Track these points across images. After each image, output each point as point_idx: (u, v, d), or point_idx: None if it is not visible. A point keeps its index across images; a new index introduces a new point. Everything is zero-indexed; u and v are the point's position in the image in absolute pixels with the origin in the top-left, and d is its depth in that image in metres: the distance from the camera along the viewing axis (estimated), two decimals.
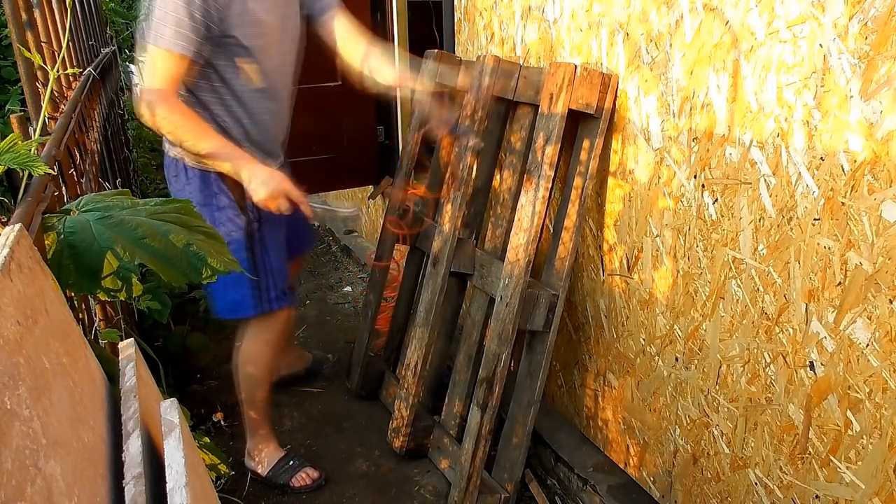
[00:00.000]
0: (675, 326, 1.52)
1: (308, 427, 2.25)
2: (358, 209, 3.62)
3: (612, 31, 1.56)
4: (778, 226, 1.22)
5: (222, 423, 2.25)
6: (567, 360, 1.97)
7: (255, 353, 1.85)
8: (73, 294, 1.04)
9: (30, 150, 0.82)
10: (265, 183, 1.51)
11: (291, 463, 1.96)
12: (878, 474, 1.12)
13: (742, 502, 1.42)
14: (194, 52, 1.50)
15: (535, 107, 1.72)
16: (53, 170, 1.07)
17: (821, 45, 1.09)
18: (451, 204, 1.91)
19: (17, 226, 0.59)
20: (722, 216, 1.34)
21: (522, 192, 1.69)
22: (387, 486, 1.97)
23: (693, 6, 1.33)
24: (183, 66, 1.50)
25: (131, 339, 0.76)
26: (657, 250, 1.54)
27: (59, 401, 0.54)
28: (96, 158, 1.93)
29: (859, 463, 1.15)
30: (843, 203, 1.10)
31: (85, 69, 2.10)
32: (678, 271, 1.49)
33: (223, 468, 1.17)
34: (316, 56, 1.93)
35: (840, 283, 1.13)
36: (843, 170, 1.09)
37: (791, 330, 1.24)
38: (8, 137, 0.80)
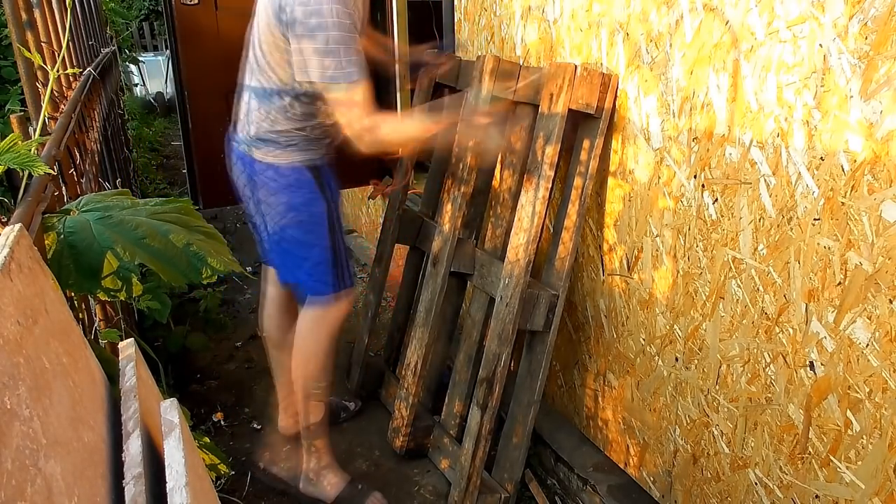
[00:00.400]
0: (675, 326, 1.52)
1: None
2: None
3: (612, 31, 1.56)
4: (778, 226, 1.22)
5: (222, 423, 2.25)
6: (567, 360, 1.97)
7: (319, 335, 1.82)
8: (73, 294, 1.04)
9: (30, 150, 0.82)
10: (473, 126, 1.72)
11: (360, 488, 1.90)
12: (878, 474, 1.12)
13: (742, 502, 1.42)
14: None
15: (535, 107, 1.72)
16: (53, 170, 1.07)
17: (821, 45, 1.09)
18: (451, 204, 1.90)
19: (17, 226, 0.59)
20: (722, 216, 1.34)
21: (522, 192, 1.69)
22: (387, 486, 1.97)
23: (693, 6, 1.33)
24: (370, 85, 1.55)
25: (131, 339, 0.76)
26: (657, 250, 1.54)
27: (59, 401, 0.54)
28: (96, 158, 1.93)
29: (859, 463, 1.15)
30: (843, 203, 1.10)
31: (85, 69, 2.10)
32: (678, 271, 1.49)
33: (223, 468, 1.17)
34: None
35: (840, 283, 1.13)
36: (843, 170, 1.09)
37: (791, 330, 1.24)
38: (8, 137, 0.80)
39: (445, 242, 1.91)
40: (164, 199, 0.90)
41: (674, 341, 1.54)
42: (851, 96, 1.06)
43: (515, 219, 1.70)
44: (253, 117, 1.68)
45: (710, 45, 1.30)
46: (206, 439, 1.31)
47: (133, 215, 0.83)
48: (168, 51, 4.46)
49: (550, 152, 1.63)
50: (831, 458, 1.20)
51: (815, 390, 1.21)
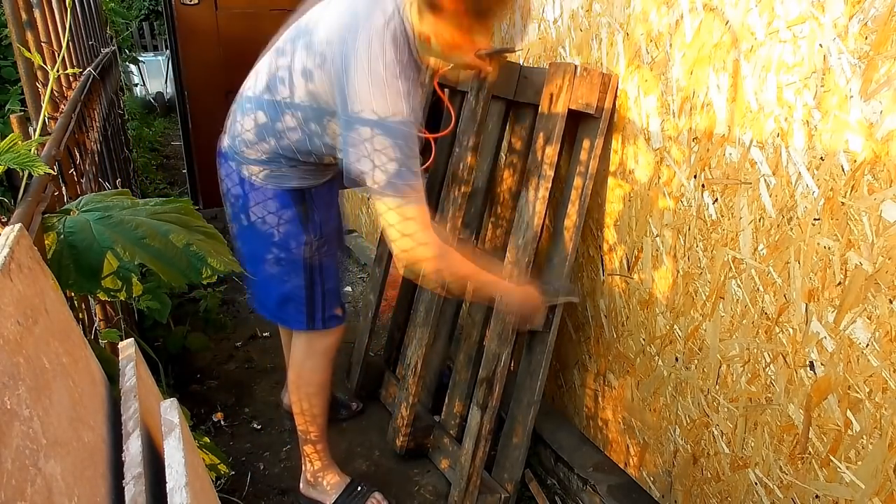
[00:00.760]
0: (675, 326, 1.52)
1: None
2: None
3: (612, 31, 1.56)
4: (778, 226, 1.22)
5: (222, 423, 2.25)
6: (567, 360, 1.97)
7: (308, 367, 1.76)
8: (73, 294, 1.04)
9: (30, 150, 0.82)
10: (517, 304, 1.59)
11: (360, 489, 1.87)
12: (878, 474, 1.12)
13: (742, 502, 1.42)
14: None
15: (535, 107, 1.72)
16: (53, 170, 1.07)
17: (821, 45, 1.09)
18: (451, 204, 1.90)
19: (17, 226, 0.59)
20: (722, 216, 1.34)
21: (522, 192, 1.69)
22: (387, 487, 1.97)
23: (693, 6, 1.33)
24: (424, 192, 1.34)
25: (131, 339, 0.76)
26: (657, 250, 1.54)
27: (59, 401, 0.54)
28: (96, 158, 1.93)
29: (859, 463, 1.15)
30: (843, 203, 1.10)
31: (85, 69, 2.10)
32: (678, 271, 1.49)
33: (223, 468, 1.17)
34: None
35: (840, 283, 1.13)
36: (843, 170, 1.09)
37: (791, 330, 1.24)
38: (8, 137, 0.80)
39: (445, 242, 1.90)
40: (164, 199, 0.90)
41: (674, 341, 1.54)
42: (851, 96, 1.06)
43: (515, 219, 1.70)
44: (250, 136, 1.51)
45: (710, 45, 1.30)
46: (206, 439, 1.31)
47: (133, 215, 0.83)
48: (168, 51, 4.46)
49: (550, 152, 1.63)
50: (831, 458, 1.20)
51: (815, 390, 1.21)
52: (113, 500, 0.57)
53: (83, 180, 1.51)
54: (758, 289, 1.29)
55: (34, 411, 0.47)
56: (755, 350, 1.32)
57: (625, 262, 1.66)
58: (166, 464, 0.58)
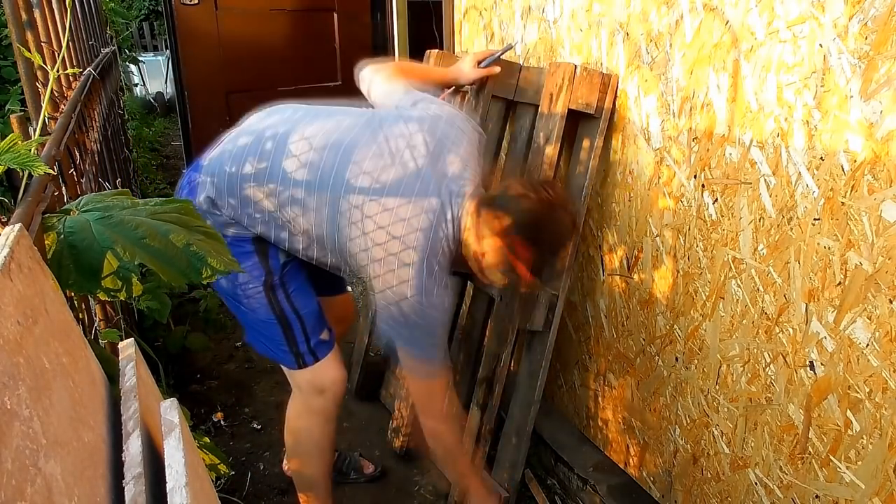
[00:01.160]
0: (675, 326, 1.52)
1: None
2: None
3: (612, 31, 1.56)
4: (778, 226, 1.22)
5: (222, 423, 2.25)
6: (567, 360, 1.97)
7: (303, 422, 1.59)
8: (73, 294, 1.04)
9: (30, 150, 0.82)
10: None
11: None
12: (878, 474, 1.12)
13: (742, 502, 1.42)
14: None
15: (535, 107, 1.72)
16: (53, 170, 1.07)
17: (821, 45, 1.09)
18: None
19: (17, 226, 0.59)
20: (722, 216, 1.34)
21: None
22: (387, 486, 1.97)
23: (693, 6, 1.33)
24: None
25: (131, 339, 0.76)
26: (657, 250, 1.54)
27: (59, 401, 0.54)
28: (96, 158, 1.93)
29: (859, 463, 1.15)
30: (843, 203, 1.10)
31: (85, 69, 2.10)
32: (678, 271, 1.49)
33: (223, 468, 1.17)
34: (316, 56, 1.93)
35: (840, 283, 1.13)
36: (843, 170, 1.09)
37: (791, 330, 1.24)
38: (8, 137, 0.80)
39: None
40: (164, 199, 0.90)
41: (674, 341, 1.54)
42: (851, 96, 1.06)
43: None
44: (232, 198, 1.37)
45: (710, 45, 1.30)
46: (206, 439, 1.30)
47: (133, 215, 0.83)
48: (168, 51, 4.46)
49: (550, 152, 1.63)
50: (831, 458, 1.20)
51: (815, 390, 1.21)
52: (113, 500, 0.57)
53: (83, 180, 1.51)
54: (758, 289, 1.29)
55: (34, 411, 0.47)
56: (755, 350, 1.32)
57: (625, 262, 1.66)
58: (166, 464, 0.58)
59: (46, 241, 0.79)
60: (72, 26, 1.92)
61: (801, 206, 1.17)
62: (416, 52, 2.22)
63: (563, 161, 1.77)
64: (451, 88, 1.86)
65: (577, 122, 1.67)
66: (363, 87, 1.62)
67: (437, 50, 2.09)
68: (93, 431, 0.59)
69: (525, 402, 1.78)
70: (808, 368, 1.21)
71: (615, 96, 1.59)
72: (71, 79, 1.78)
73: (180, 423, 0.64)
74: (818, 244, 1.15)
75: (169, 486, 0.55)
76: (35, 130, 1.02)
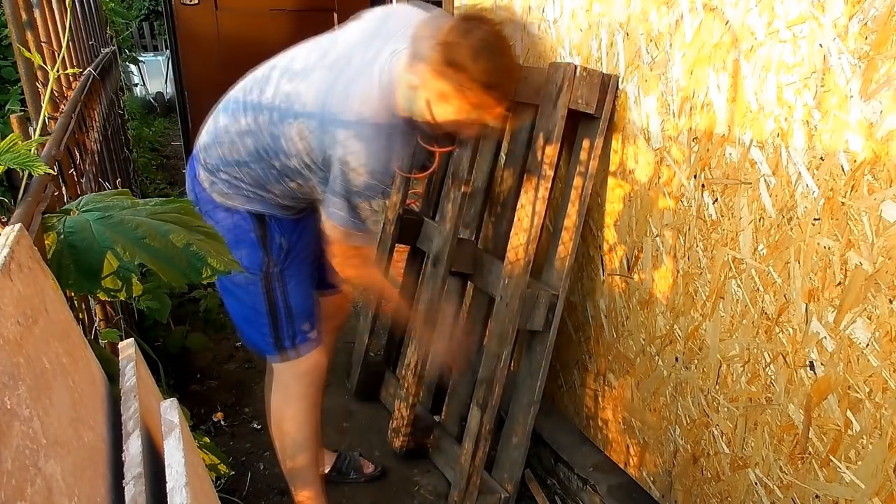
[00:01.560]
0: (675, 326, 1.52)
1: None
2: None
3: (612, 31, 1.56)
4: (778, 226, 1.22)
5: (222, 423, 2.25)
6: (567, 360, 1.97)
7: (284, 410, 1.63)
8: (73, 294, 1.04)
9: (30, 150, 0.82)
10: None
11: None
12: (878, 474, 1.12)
13: (742, 502, 1.42)
14: None
15: (535, 107, 1.72)
16: (53, 170, 1.07)
17: (821, 45, 1.09)
18: (451, 204, 1.90)
19: (17, 226, 0.59)
20: (722, 216, 1.34)
21: (522, 192, 1.69)
22: (387, 486, 1.97)
23: (693, 6, 1.33)
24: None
25: (131, 339, 0.76)
26: (657, 250, 1.54)
27: (59, 401, 0.54)
28: (96, 158, 1.93)
29: (859, 463, 1.15)
30: (843, 203, 1.10)
31: (85, 69, 2.10)
32: (678, 271, 1.49)
33: (223, 468, 1.17)
34: None
35: (840, 283, 1.13)
36: (843, 170, 1.09)
37: (791, 330, 1.24)
38: (8, 137, 0.80)
39: (445, 242, 1.91)
40: (164, 199, 0.90)
41: (674, 341, 1.54)
42: (851, 96, 1.06)
43: (515, 219, 1.70)
44: (227, 148, 1.44)
45: (710, 45, 1.30)
46: (206, 439, 1.31)
47: (133, 215, 0.83)
48: (168, 51, 4.46)
49: (550, 152, 1.63)
50: (831, 458, 1.20)
51: (815, 390, 1.21)
52: (113, 500, 0.57)
53: (83, 180, 1.51)
54: (758, 289, 1.29)
55: (34, 411, 0.47)
56: (755, 350, 1.32)
57: (625, 262, 1.66)
58: (166, 464, 0.58)
59: (46, 241, 0.79)
60: (72, 26, 1.92)
61: (801, 206, 1.17)
62: None
63: (563, 161, 1.78)
64: None
65: (577, 122, 1.67)
66: None
67: None
68: (93, 431, 0.59)
69: (525, 402, 1.78)
70: (808, 368, 1.21)
71: (615, 96, 1.59)
72: (71, 79, 1.79)
73: (180, 423, 0.64)
74: (818, 244, 1.15)
75: (169, 486, 0.55)
76: (35, 130, 1.02)
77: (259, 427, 2.22)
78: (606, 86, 1.58)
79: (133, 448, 0.60)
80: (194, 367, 2.56)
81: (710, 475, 1.50)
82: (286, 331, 1.53)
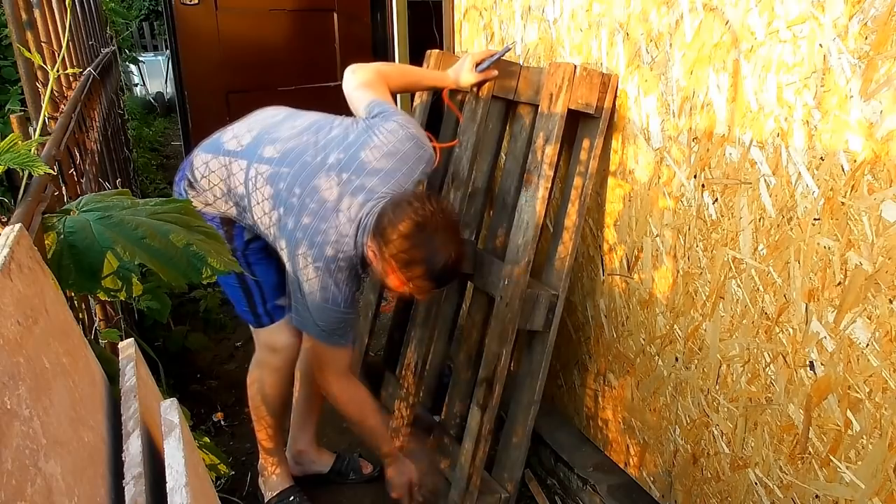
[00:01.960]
0: (675, 326, 1.52)
1: None
2: None
3: (612, 31, 1.56)
4: (778, 226, 1.22)
5: (222, 423, 2.25)
6: (567, 360, 1.97)
7: (259, 376, 1.79)
8: (73, 294, 1.05)
9: (30, 150, 0.82)
10: (401, 473, 1.73)
11: (292, 499, 1.88)
12: (878, 474, 1.12)
13: (742, 502, 1.42)
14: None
15: (535, 107, 1.72)
16: (53, 170, 1.07)
17: (821, 45, 1.09)
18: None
19: (17, 226, 0.59)
20: (722, 216, 1.34)
21: (522, 192, 1.69)
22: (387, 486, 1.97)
23: (693, 6, 1.33)
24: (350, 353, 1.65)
25: (131, 339, 0.76)
26: (657, 250, 1.54)
27: (59, 401, 0.54)
28: (96, 158, 1.93)
29: (859, 463, 1.15)
30: (843, 203, 1.10)
31: (85, 69, 2.10)
32: (678, 271, 1.49)
33: (223, 468, 1.17)
34: (316, 56, 1.93)
35: (840, 283, 1.13)
36: (843, 170, 1.09)
37: (791, 330, 1.24)
38: (8, 137, 0.80)
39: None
40: (164, 199, 0.90)
41: (674, 341, 1.54)
42: (851, 96, 1.06)
43: (515, 219, 1.70)
44: (216, 191, 1.58)
45: (710, 45, 1.30)
46: (206, 439, 1.31)
47: (133, 215, 0.83)
48: (168, 51, 4.46)
49: (550, 152, 1.63)
50: (831, 458, 1.20)
51: (815, 390, 1.21)
52: (113, 500, 0.57)
53: (83, 180, 1.52)
54: (758, 289, 1.29)
55: (34, 411, 0.47)
56: (755, 350, 1.32)
57: (625, 262, 1.66)
58: (166, 464, 0.58)
59: (46, 241, 0.79)
60: (72, 26, 1.92)
61: (801, 205, 1.17)
62: (416, 52, 2.22)
63: (563, 161, 1.77)
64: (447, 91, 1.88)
65: (577, 122, 1.67)
66: (344, 88, 1.74)
67: (437, 50, 2.09)
68: (93, 431, 0.59)
69: (525, 402, 1.78)
70: (808, 368, 1.21)
71: (615, 96, 1.59)
72: (71, 79, 1.79)
73: (180, 423, 0.64)
74: (818, 244, 1.15)
75: (169, 486, 0.55)
76: (35, 130, 1.02)
77: None
78: (606, 86, 1.58)
79: (133, 448, 0.60)
80: (194, 367, 2.56)
81: (710, 475, 1.50)
82: (258, 299, 1.68)
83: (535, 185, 1.65)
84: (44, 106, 1.12)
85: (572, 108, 1.60)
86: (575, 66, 1.58)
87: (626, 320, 1.69)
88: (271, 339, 1.72)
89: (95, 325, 1.33)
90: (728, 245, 1.34)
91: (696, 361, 1.48)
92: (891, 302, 1.05)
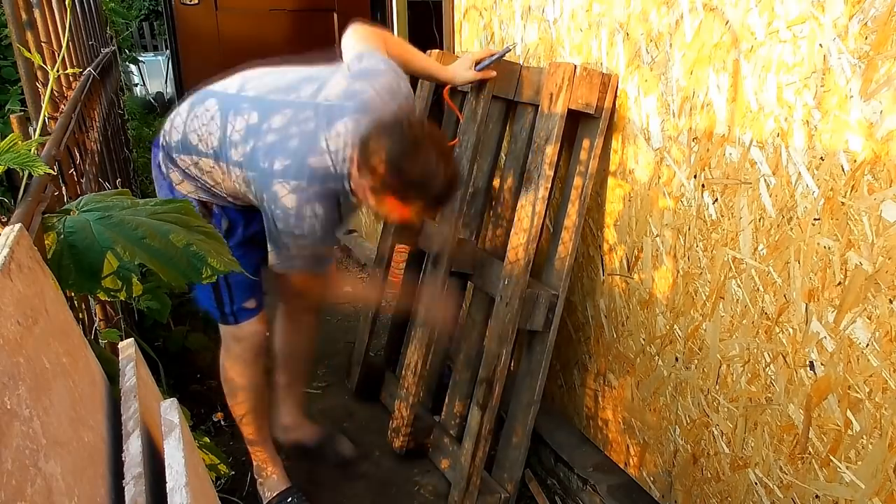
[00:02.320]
0: (675, 326, 1.52)
1: None
2: None
3: (612, 31, 1.56)
4: (778, 226, 1.22)
5: (222, 423, 2.25)
6: (567, 360, 1.97)
7: (227, 365, 1.80)
8: (73, 294, 1.05)
9: (30, 150, 0.82)
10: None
11: (291, 499, 1.87)
12: (878, 474, 1.12)
13: (742, 502, 1.42)
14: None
15: (535, 107, 1.72)
16: (53, 170, 1.07)
17: (821, 45, 1.09)
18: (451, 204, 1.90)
19: (17, 226, 0.59)
20: (722, 216, 1.34)
21: (522, 192, 1.69)
22: (387, 486, 1.97)
23: (693, 6, 1.33)
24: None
25: (131, 339, 0.76)
26: (657, 250, 1.54)
27: (59, 401, 0.54)
28: (96, 158, 1.93)
29: (859, 463, 1.15)
30: (843, 203, 1.10)
31: (85, 69, 2.10)
32: (678, 271, 1.49)
33: (223, 468, 1.17)
34: (316, 56, 1.92)
35: (840, 283, 1.13)
36: (843, 170, 1.09)
37: (791, 330, 1.24)
38: (8, 137, 0.80)
39: (445, 242, 1.91)
40: (164, 199, 0.90)
41: (674, 341, 1.54)
42: (851, 96, 1.06)
43: (515, 219, 1.70)
44: (196, 128, 1.55)
45: (710, 45, 1.30)
46: (206, 439, 1.31)
47: (133, 215, 0.83)
48: (168, 51, 4.46)
49: (550, 152, 1.63)
50: (831, 458, 1.20)
51: (815, 390, 1.21)
52: (113, 500, 0.57)
53: (83, 180, 1.52)
54: (758, 289, 1.29)
55: (34, 411, 0.47)
56: (755, 350, 1.32)
57: (625, 262, 1.66)
58: (166, 464, 0.58)
59: (46, 241, 0.79)
60: (72, 26, 1.92)
61: (801, 206, 1.17)
62: None
63: (563, 161, 1.77)
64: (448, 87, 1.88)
65: (577, 122, 1.67)
66: (342, 43, 1.74)
67: (437, 50, 2.09)
68: (93, 431, 0.59)
69: (525, 402, 1.78)
70: (808, 368, 1.21)
71: (615, 96, 1.59)
72: (71, 79, 1.79)
73: (180, 423, 0.64)
74: (818, 244, 1.15)
75: (169, 486, 0.55)
76: (35, 130, 1.02)
77: None
78: (606, 86, 1.58)
79: (133, 448, 0.60)
80: (194, 367, 2.56)
81: (710, 475, 1.50)
82: (227, 304, 1.68)
83: (535, 185, 1.65)
84: (44, 106, 1.12)
85: (572, 108, 1.60)
86: (575, 66, 1.58)
87: (626, 320, 1.69)
88: (237, 332, 1.74)
89: (95, 325, 1.33)
90: (728, 245, 1.34)
91: (696, 361, 1.48)
92: (891, 302, 1.05)
